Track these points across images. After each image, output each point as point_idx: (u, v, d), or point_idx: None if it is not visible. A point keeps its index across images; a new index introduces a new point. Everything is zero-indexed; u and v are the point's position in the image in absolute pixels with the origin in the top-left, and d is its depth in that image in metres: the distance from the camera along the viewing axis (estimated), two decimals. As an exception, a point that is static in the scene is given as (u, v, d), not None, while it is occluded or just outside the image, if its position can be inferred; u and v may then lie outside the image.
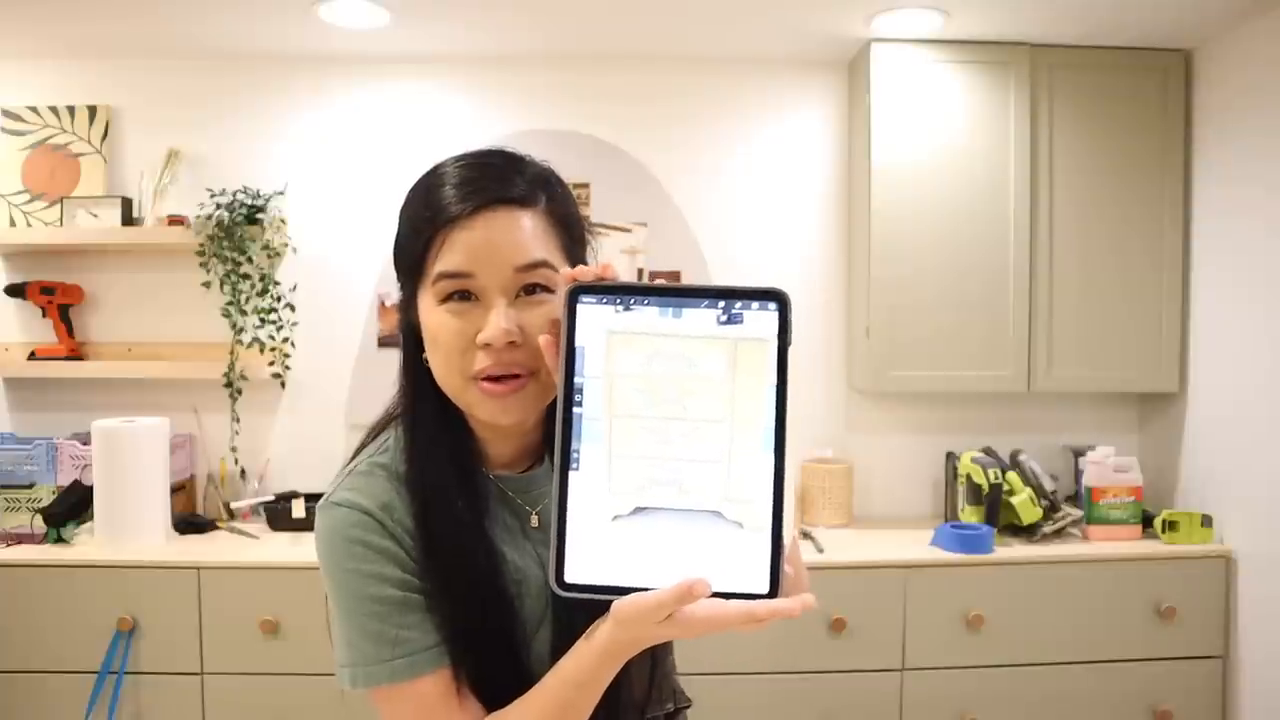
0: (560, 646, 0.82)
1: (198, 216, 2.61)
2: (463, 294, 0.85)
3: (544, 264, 0.85)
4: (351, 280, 2.75)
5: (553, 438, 0.73)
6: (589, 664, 0.77)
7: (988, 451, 2.63)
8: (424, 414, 0.90)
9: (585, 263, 0.92)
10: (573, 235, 0.90)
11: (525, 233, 0.85)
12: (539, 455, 0.96)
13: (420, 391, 0.91)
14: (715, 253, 2.76)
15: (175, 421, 2.62)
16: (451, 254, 0.84)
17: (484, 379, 0.84)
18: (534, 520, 0.93)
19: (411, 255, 0.87)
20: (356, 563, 0.86)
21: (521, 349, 0.84)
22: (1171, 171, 2.58)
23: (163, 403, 2.71)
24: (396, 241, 0.92)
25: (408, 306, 0.91)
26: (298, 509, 2.54)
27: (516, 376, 0.84)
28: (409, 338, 0.91)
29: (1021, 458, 2.61)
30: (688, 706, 1.02)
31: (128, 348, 2.73)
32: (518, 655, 0.88)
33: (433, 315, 0.86)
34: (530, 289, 0.85)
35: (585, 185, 2.69)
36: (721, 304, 0.72)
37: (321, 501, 0.90)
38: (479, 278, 0.84)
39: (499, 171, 0.87)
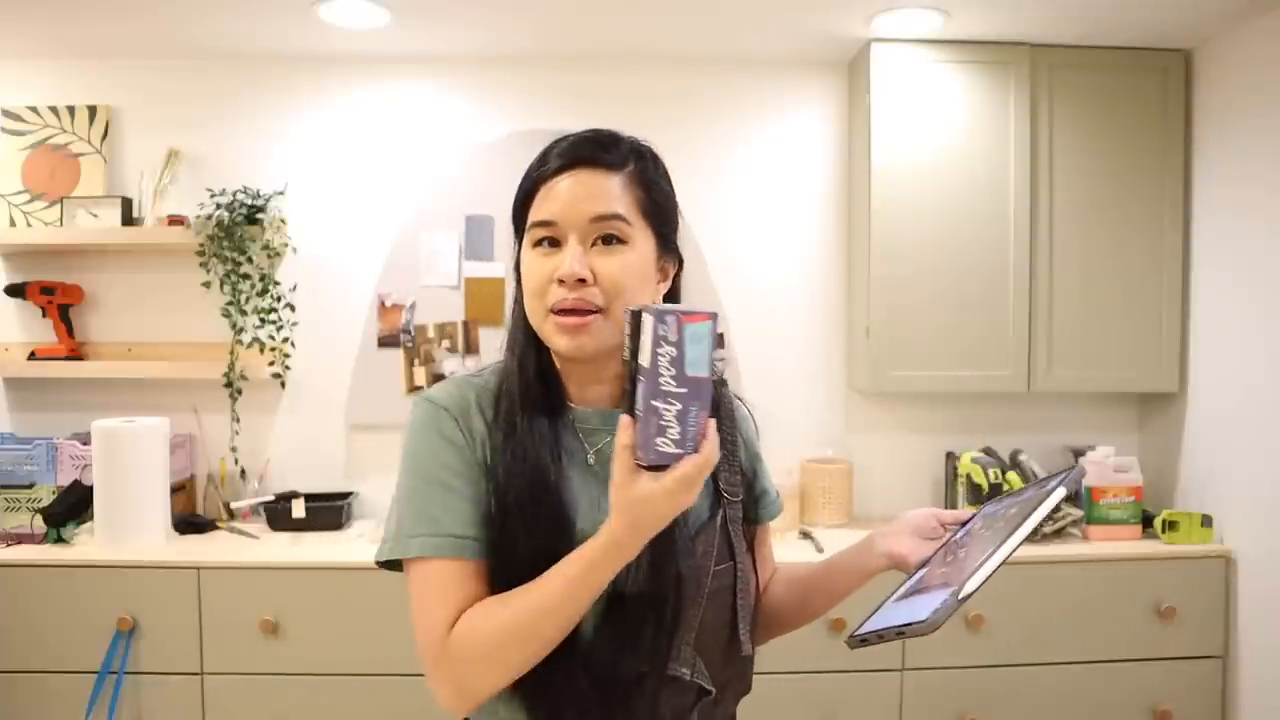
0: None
1: (198, 216, 2.61)
2: (550, 240, 0.98)
3: (618, 216, 0.97)
4: (351, 280, 2.75)
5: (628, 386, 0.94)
6: (596, 543, 0.88)
7: (988, 451, 2.63)
8: (518, 344, 1.05)
9: (668, 234, 1.04)
10: (654, 200, 1.02)
11: (603, 189, 0.98)
12: (612, 399, 1.06)
13: (519, 328, 1.05)
14: (715, 253, 2.76)
15: (175, 421, 2.62)
16: (542, 204, 0.99)
17: (558, 312, 0.97)
18: (590, 457, 1.03)
19: (520, 211, 1.02)
20: (423, 444, 1.00)
21: (593, 288, 0.96)
22: (1171, 171, 2.58)
23: (163, 403, 2.71)
24: (514, 202, 1.05)
25: (518, 261, 1.04)
26: (298, 509, 2.54)
27: (587, 312, 0.96)
28: (518, 287, 1.05)
29: (1021, 458, 2.61)
30: (710, 696, 1.02)
31: (128, 348, 2.73)
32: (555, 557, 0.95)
33: (525, 256, 1.01)
34: (607, 239, 0.98)
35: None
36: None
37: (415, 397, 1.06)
38: (561, 225, 0.97)
39: (592, 142, 1.00)
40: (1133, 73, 2.56)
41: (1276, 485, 2.27)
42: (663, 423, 0.82)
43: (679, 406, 0.82)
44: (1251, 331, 2.37)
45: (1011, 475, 2.50)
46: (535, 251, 0.99)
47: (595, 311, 0.96)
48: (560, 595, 0.89)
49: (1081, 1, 2.28)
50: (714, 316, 0.83)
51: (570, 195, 0.97)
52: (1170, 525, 2.44)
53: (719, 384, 1.15)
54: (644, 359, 0.82)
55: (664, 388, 0.82)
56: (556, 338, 0.98)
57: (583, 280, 0.95)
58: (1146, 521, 2.52)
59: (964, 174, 2.53)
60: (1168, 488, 2.70)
